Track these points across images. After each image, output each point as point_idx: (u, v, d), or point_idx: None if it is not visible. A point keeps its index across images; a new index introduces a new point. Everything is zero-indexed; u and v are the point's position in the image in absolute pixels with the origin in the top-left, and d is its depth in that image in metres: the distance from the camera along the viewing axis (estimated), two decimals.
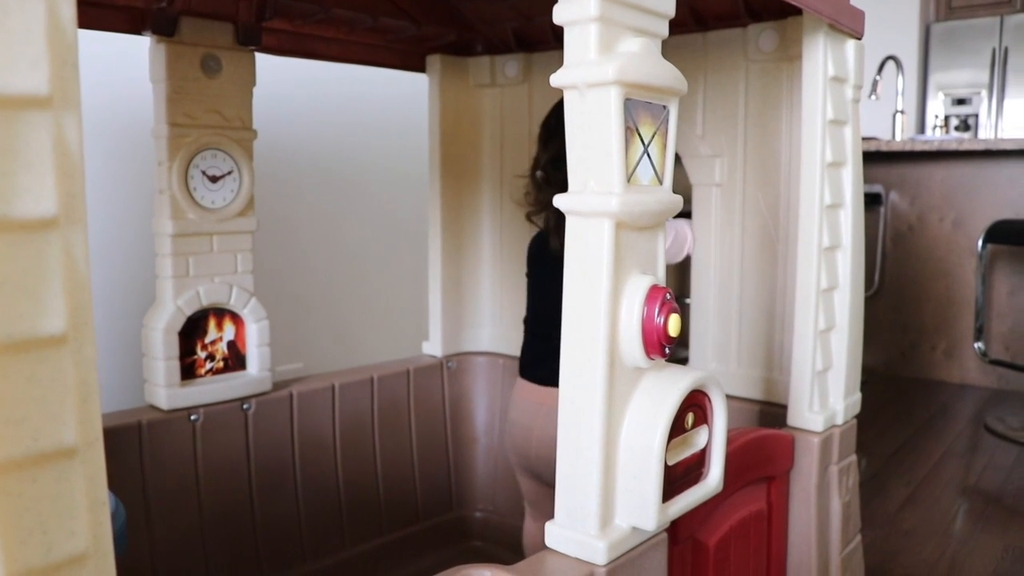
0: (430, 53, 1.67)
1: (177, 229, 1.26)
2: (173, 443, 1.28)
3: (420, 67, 1.68)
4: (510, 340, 1.79)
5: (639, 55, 0.71)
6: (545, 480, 1.32)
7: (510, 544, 1.74)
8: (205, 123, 1.26)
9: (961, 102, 4.95)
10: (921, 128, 5.04)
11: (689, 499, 0.80)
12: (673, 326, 0.72)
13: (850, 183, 1.18)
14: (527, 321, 1.40)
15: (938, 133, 4.64)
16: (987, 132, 4.85)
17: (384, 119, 2.28)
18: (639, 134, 0.72)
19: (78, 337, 0.40)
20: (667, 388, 0.75)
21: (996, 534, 1.88)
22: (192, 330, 1.29)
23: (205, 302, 1.29)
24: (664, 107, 0.75)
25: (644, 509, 0.74)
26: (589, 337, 0.72)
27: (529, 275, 1.40)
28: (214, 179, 1.27)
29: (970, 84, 4.92)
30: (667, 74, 0.74)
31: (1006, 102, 4.83)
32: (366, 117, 2.26)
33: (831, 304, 1.19)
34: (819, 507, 1.18)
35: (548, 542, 0.77)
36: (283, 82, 1.90)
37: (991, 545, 1.82)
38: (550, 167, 1.27)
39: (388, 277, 2.35)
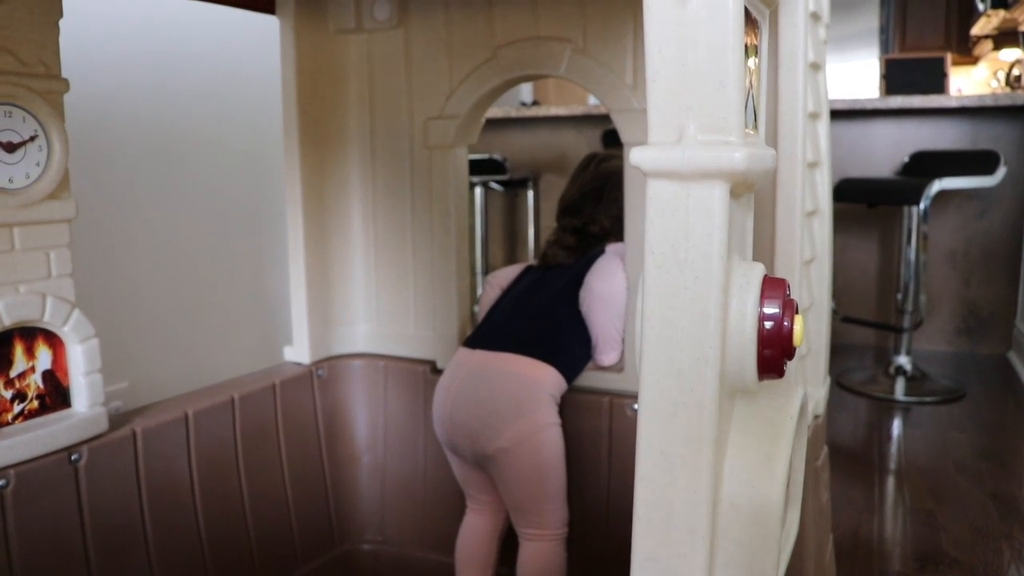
0: None
1: None
2: None
3: (270, 8, 1.35)
4: (389, 337, 1.52)
5: None
6: (460, 452, 1.24)
7: None
8: None
9: None
10: None
11: (784, 556, 0.60)
12: (799, 333, 0.51)
13: (824, 137, 1.03)
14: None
15: None
16: None
17: (230, 72, 1.86)
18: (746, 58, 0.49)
19: None
20: (776, 419, 0.54)
21: (887, 490, 1.87)
22: None
23: (7, 321, 0.91)
24: (758, 22, 0.53)
25: None
26: (693, 355, 0.49)
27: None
28: (10, 147, 0.89)
29: None
30: None
31: None
32: (207, 68, 1.81)
33: (810, 279, 1.04)
34: (813, 508, 1.03)
35: None
36: (96, 19, 1.46)
37: (881, 500, 1.81)
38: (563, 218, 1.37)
39: (229, 271, 1.96)
